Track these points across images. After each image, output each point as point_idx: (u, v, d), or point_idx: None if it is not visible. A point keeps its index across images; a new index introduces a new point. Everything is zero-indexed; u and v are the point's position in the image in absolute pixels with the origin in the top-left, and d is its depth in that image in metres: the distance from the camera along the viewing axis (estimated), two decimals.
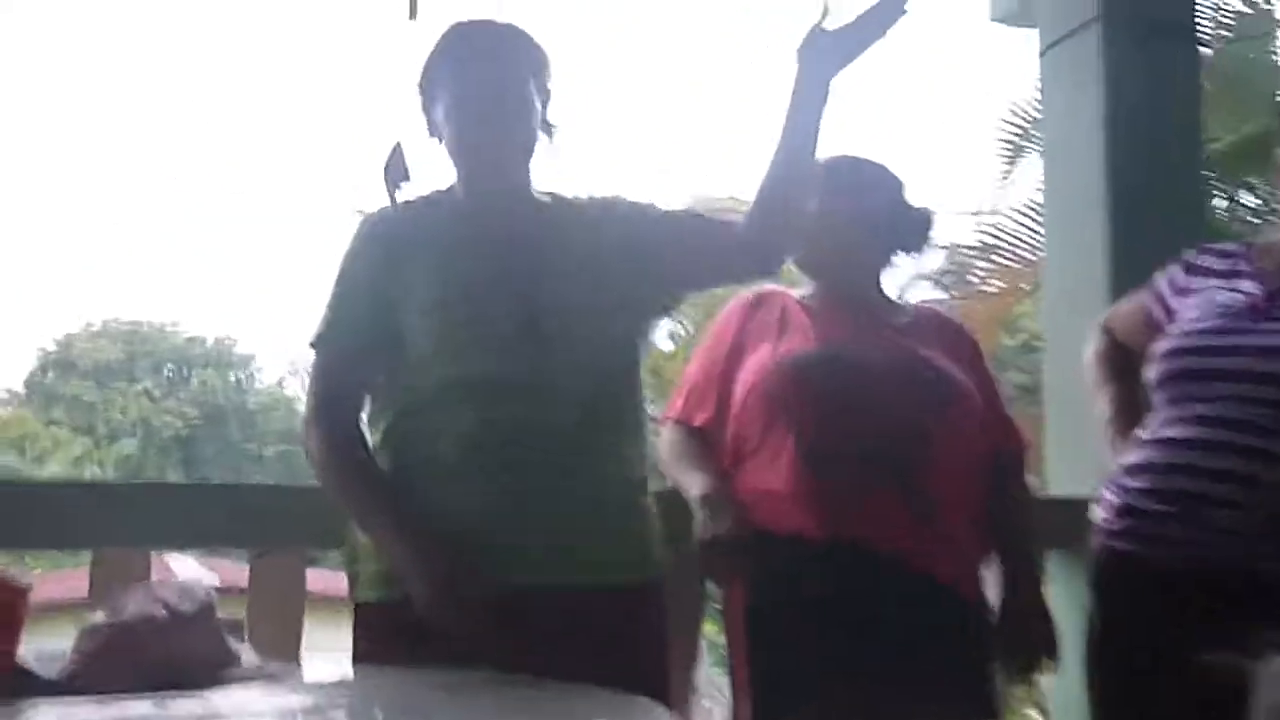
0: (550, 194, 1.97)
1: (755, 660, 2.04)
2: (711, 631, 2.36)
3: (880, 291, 2.28)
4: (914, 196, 2.28)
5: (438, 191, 1.95)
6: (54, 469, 22.50)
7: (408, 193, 1.93)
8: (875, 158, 2.28)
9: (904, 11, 1.81)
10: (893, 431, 2.04)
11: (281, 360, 28.07)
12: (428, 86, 1.92)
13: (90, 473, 21.18)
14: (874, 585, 1.98)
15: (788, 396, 2.06)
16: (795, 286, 2.30)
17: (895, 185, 2.27)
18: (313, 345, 1.87)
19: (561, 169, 1.97)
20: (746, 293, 2.25)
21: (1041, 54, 3.14)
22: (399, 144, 1.91)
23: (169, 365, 34.02)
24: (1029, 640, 2.12)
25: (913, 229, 2.28)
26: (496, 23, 1.93)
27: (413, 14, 2.47)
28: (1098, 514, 2.16)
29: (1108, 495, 2.14)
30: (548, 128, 1.93)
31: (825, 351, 2.11)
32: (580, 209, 1.97)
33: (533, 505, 1.76)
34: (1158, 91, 2.95)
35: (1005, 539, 2.17)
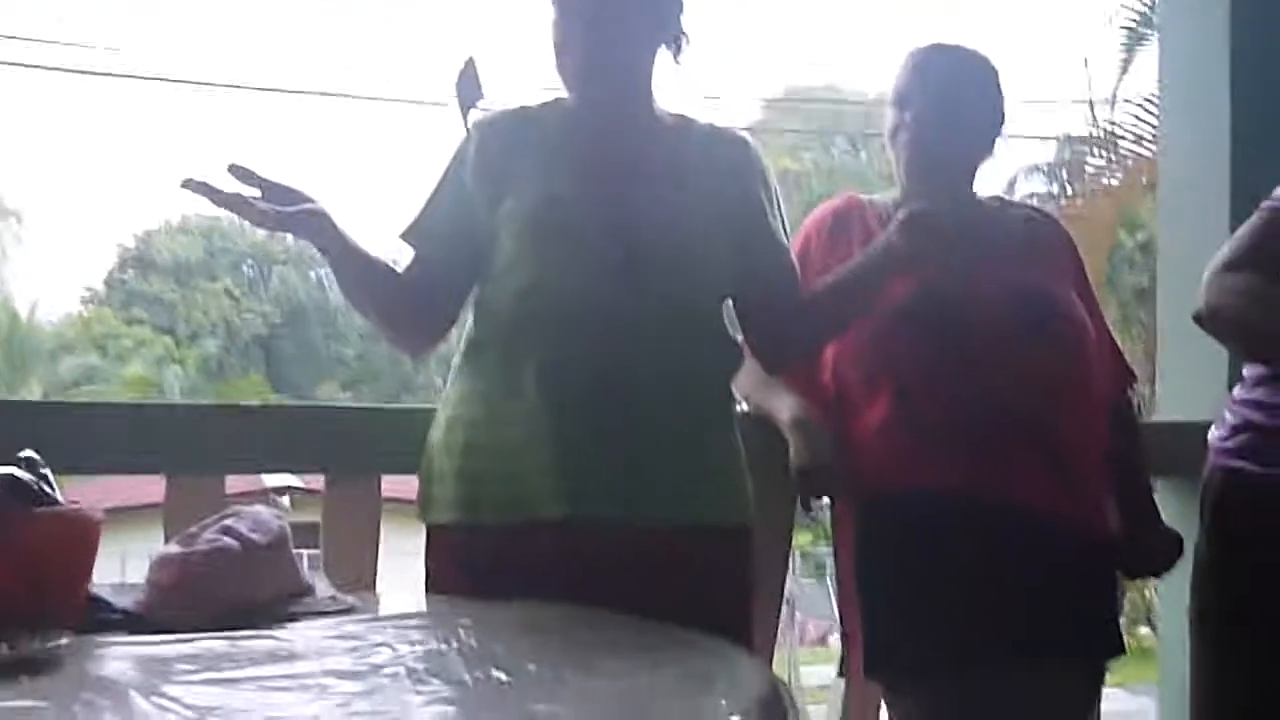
0: (677, 114, 1.87)
1: (871, 613, 1.96)
2: (804, 542, 2.30)
3: (974, 196, 2.10)
4: (1005, 84, 2.08)
5: (558, 99, 1.86)
6: (135, 369, 22.95)
7: (479, 111, 1.85)
8: (968, 44, 2.08)
9: None
10: (1017, 387, 1.90)
11: None
12: None
13: (171, 373, 21.56)
14: (1000, 534, 1.88)
15: (891, 351, 1.93)
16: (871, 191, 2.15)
17: (992, 75, 2.07)
18: (401, 237, 1.86)
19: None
20: (823, 212, 2.07)
21: None
22: (471, 59, 1.83)
23: (248, 262, 34.40)
24: (1154, 565, 2.11)
25: (1000, 122, 2.08)
26: None
27: None
28: (1213, 433, 2.12)
29: (1226, 415, 2.10)
30: (677, 41, 1.83)
31: (928, 295, 1.91)
32: (704, 138, 1.87)
33: (617, 439, 1.69)
34: None
35: (1123, 481, 2.08)
